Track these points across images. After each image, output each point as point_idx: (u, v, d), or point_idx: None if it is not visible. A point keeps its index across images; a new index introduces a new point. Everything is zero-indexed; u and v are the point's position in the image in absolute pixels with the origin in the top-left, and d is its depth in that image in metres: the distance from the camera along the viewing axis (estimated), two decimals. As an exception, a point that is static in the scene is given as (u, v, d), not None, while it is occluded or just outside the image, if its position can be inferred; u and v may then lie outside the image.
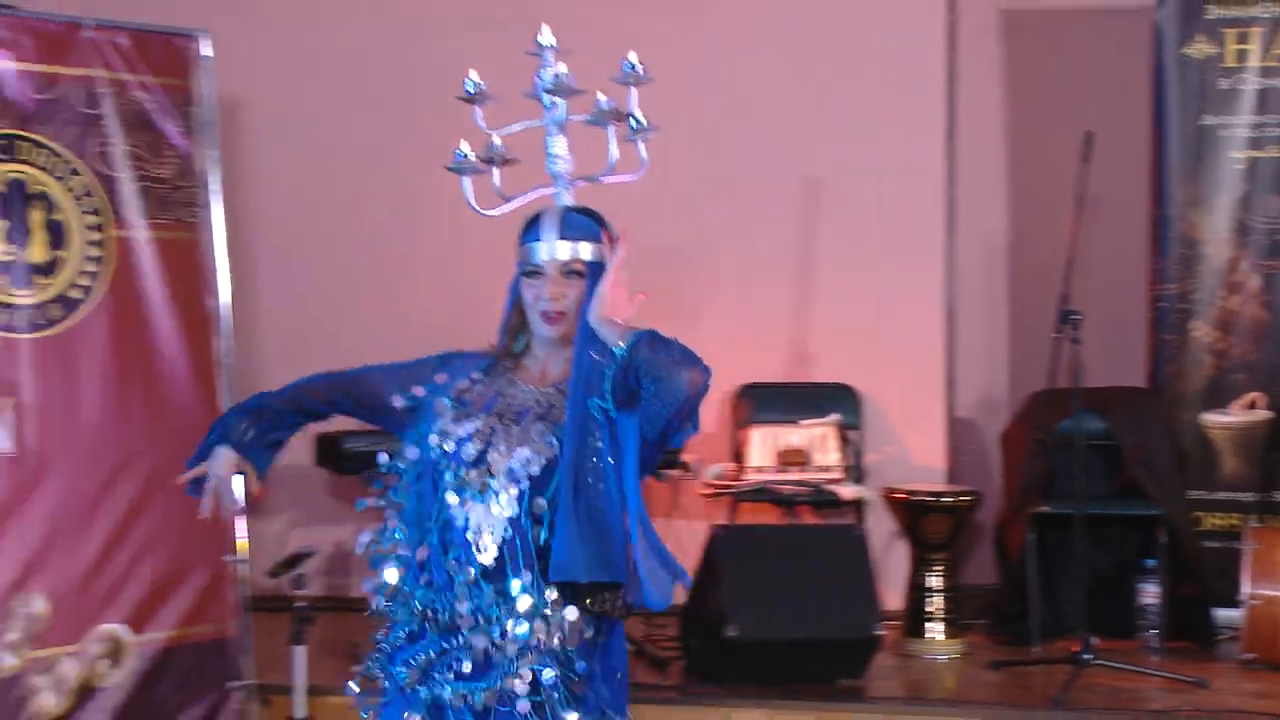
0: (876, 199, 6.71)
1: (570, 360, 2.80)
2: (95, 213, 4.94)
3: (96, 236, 4.94)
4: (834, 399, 6.50)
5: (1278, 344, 6.26)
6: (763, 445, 6.33)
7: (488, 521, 2.78)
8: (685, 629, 5.59)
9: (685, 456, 5.98)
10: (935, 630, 5.97)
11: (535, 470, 2.79)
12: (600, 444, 2.73)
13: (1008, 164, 7.07)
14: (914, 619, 6.00)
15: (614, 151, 2.91)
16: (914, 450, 6.70)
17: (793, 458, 6.28)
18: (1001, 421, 6.70)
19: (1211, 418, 6.30)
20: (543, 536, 2.77)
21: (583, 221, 2.87)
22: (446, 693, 2.80)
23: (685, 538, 6.43)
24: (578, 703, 2.78)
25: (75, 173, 4.89)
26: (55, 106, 4.86)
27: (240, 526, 5.05)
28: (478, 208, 2.99)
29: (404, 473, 2.91)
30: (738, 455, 6.47)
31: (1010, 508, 6.24)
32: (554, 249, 2.84)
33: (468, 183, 2.99)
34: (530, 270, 2.86)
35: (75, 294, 4.88)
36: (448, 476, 2.82)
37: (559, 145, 2.91)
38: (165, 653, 5.00)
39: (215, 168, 5.17)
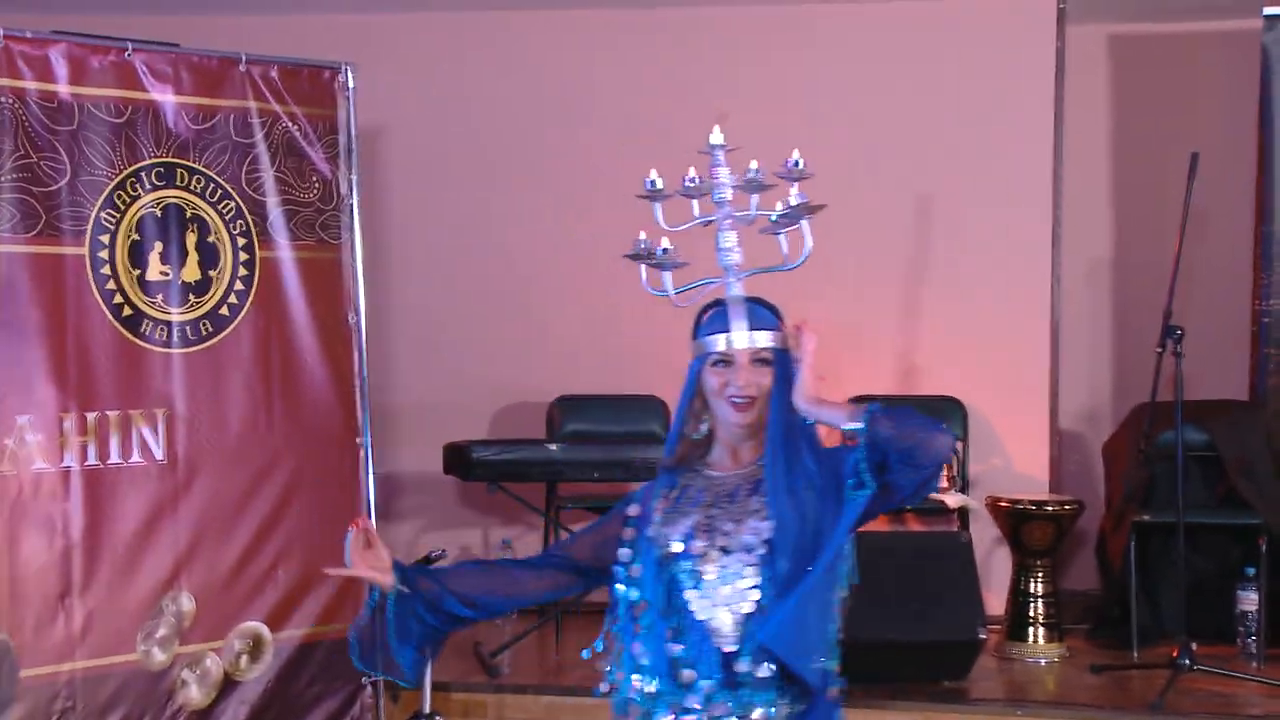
0: (985, 216, 6.89)
1: (758, 446, 2.89)
2: (245, 234, 5.19)
3: (245, 257, 5.19)
4: (942, 411, 6.64)
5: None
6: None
7: (727, 601, 2.82)
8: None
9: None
10: (1037, 634, 6.13)
11: (767, 536, 2.82)
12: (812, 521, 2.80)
13: (1113, 183, 7.20)
14: (1016, 623, 6.15)
15: (809, 243, 2.99)
16: (1018, 460, 6.88)
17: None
18: (1105, 433, 6.84)
19: (1313, 430, 6.37)
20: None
21: (766, 312, 2.96)
22: None
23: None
24: None
25: (227, 197, 5.15)
26: (211, 135, 5.11)
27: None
28: (654, 291, 3.04)
29: (630, 591, 2.91)
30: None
31: (1112, 516, 6.40)
32: (745, 338, 2.91)
33: (644, 269, 3.05)
34: (720, 359, 2.91)
35: (225, 311, 5.13)
36: (683, 573, 2.85)
37: (730, 239, 3.00)
38: (302, 649, 5.22)
39: (355, 192, 5.41)
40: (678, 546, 2.86)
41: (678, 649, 2.83)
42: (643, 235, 3.06)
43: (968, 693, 5.54)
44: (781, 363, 2.90)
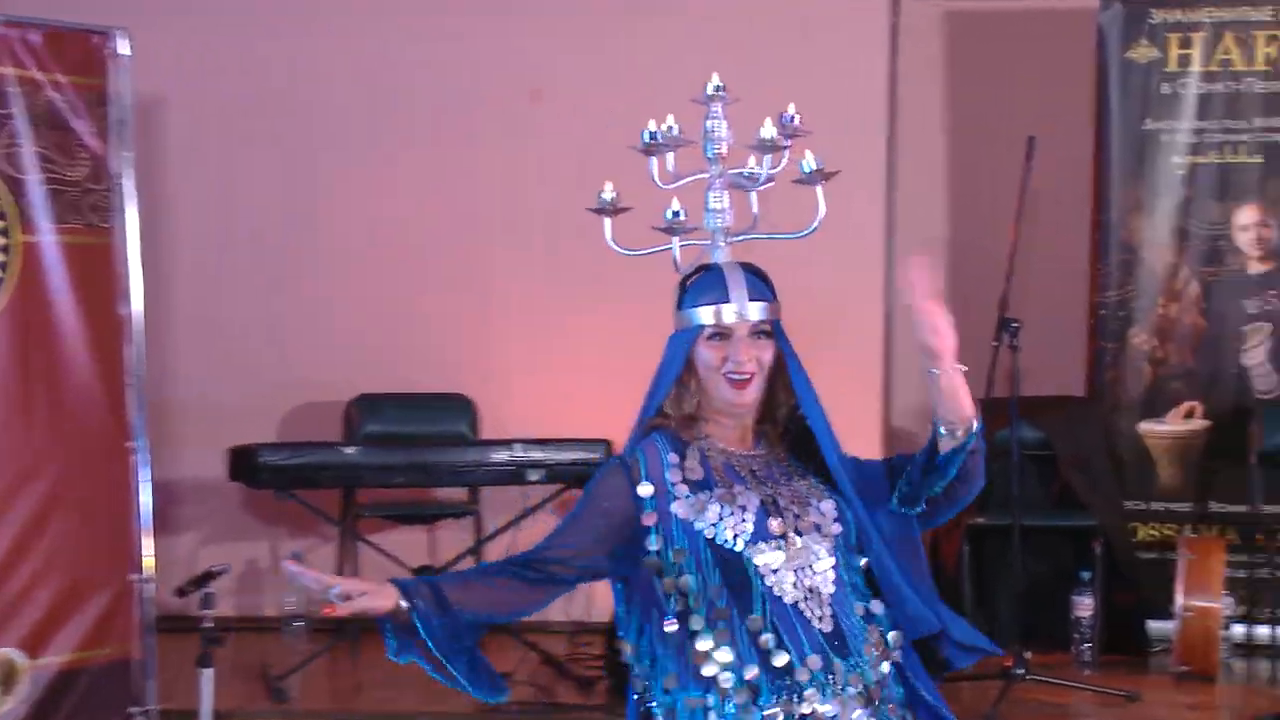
0: (817, 200, 6.75)
1: (754, 425, 2.77)
2: (1, 216, 4.87)
3: (3, 242, 4.88)
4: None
5: (1215, 352, 6.34)
6: (694, 455, 6.37)
7: (815, 583, 2.70)
8: (611, 646, 5.62)
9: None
10: (867, 644, 6.04)
11: (835, 517, 2.74)
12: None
13: (949, 166, 7.09)
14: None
15: (822, 208, 2.86)
16: (849, 458, 6.76)
17: (725, 468, 6.32)
18: (938, 431, 6.76)
19: (1149, 427, 6.36)
20: (860, 588, 2.74)
21: (761, 282, 2.80)
22: None
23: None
24: None
25: (-20, 174, 4.83)
26: (-41, 105, 4.79)
27: (147, 544, 5.01)
28: (617, 247, 2.91)
29: (684, 579, 2.69)
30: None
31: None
32: (746, 309, 2.74)
33: (608, 223, 2.91)
34: (717, 332, 2.74)
35: (-22, 301, 4.81)
36: (758, 554, 2.68)
37: (722, 200, 2.83)
38: (62, 677, 4.91)
39: (129, 170, 5.10)
40: (749, 528, 2.69)
41: (768, 638, 2.66)
42: (608, 187, 2.90)
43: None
44: (781, 335, 2.78)
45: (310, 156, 6.86)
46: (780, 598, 2.67)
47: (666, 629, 2.69)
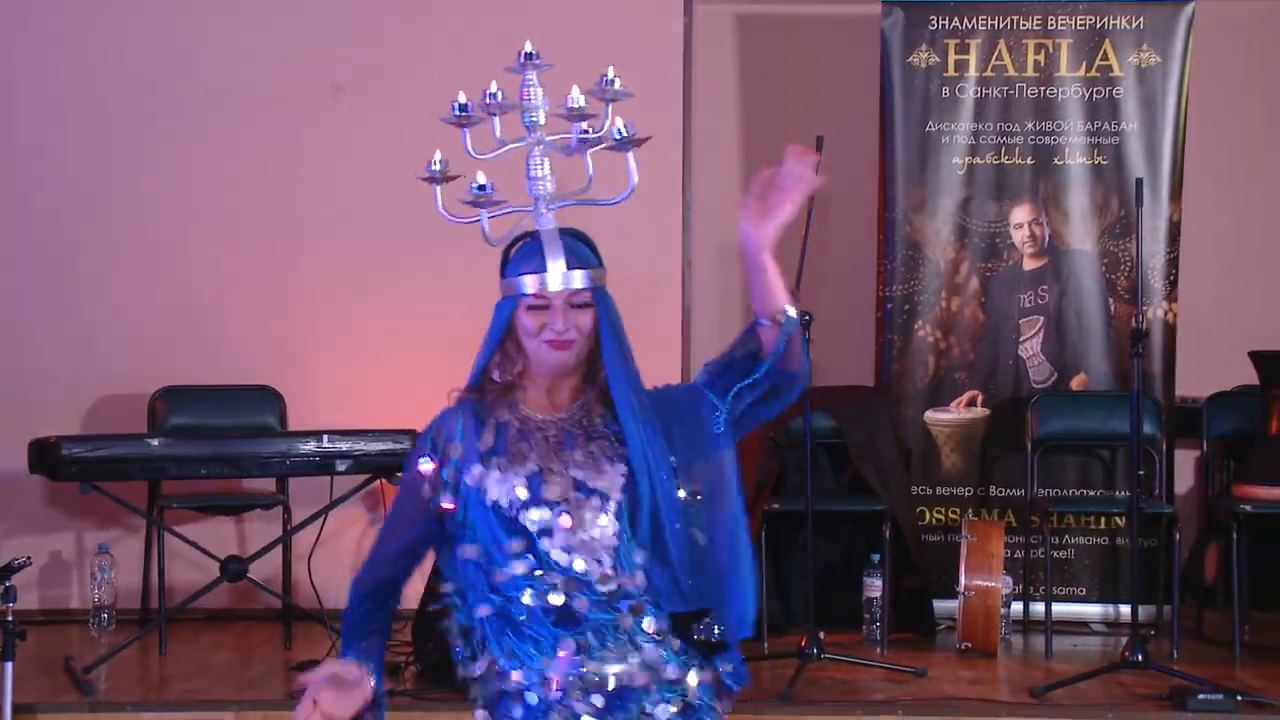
0: (616, 194, 6.75)
1: (576, 388, 2.78)
2: None
3: None
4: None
5: (994, 344, 6.46)
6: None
7: (590, 550, 2.70)
8: (418, 633, 5.54)
9: (421, 457, 5.95)
10: (665, 627, 6.05)
11: (623, 484, 2.72)
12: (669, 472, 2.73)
13: (742, 166, 7.12)
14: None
15: (634, 178, 2.83)
16: (650, 449, 6.77)
17: (529, 458, 6.29)
18: (736, 422, 6.81)
19: (933, 415, 6.46)
20: (640, 559, 2.71)
21: (583, 247, 2.79)
22: None
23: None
24: None
25: None
26: None
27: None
28: (449, 216, 2.88)
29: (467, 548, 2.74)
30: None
31: (744, 506, 6.35)
32: (564, 278, 2.74)
33: (439, 191, 2.87)
34: (536, 303, 2.74)
35: None
36: (531, 522, 2.70)
37: (545, 166, 2.80)
38: None
39: None
40: (522, 494, 2.71)
41: (552, 599, 2.68)
42: (437, 155, 2.85)
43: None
44: (603, 301, 2.77)
45: (111, 146, 6.65)
46: (555, 560, 2.69)
47: (468, 552, 2.74)
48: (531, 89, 2.80)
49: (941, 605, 6.20)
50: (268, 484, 6.32)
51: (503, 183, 2.84)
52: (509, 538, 2.70)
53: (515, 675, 2.72)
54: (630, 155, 2.82)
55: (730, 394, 2.78)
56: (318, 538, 6.13)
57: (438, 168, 2.84)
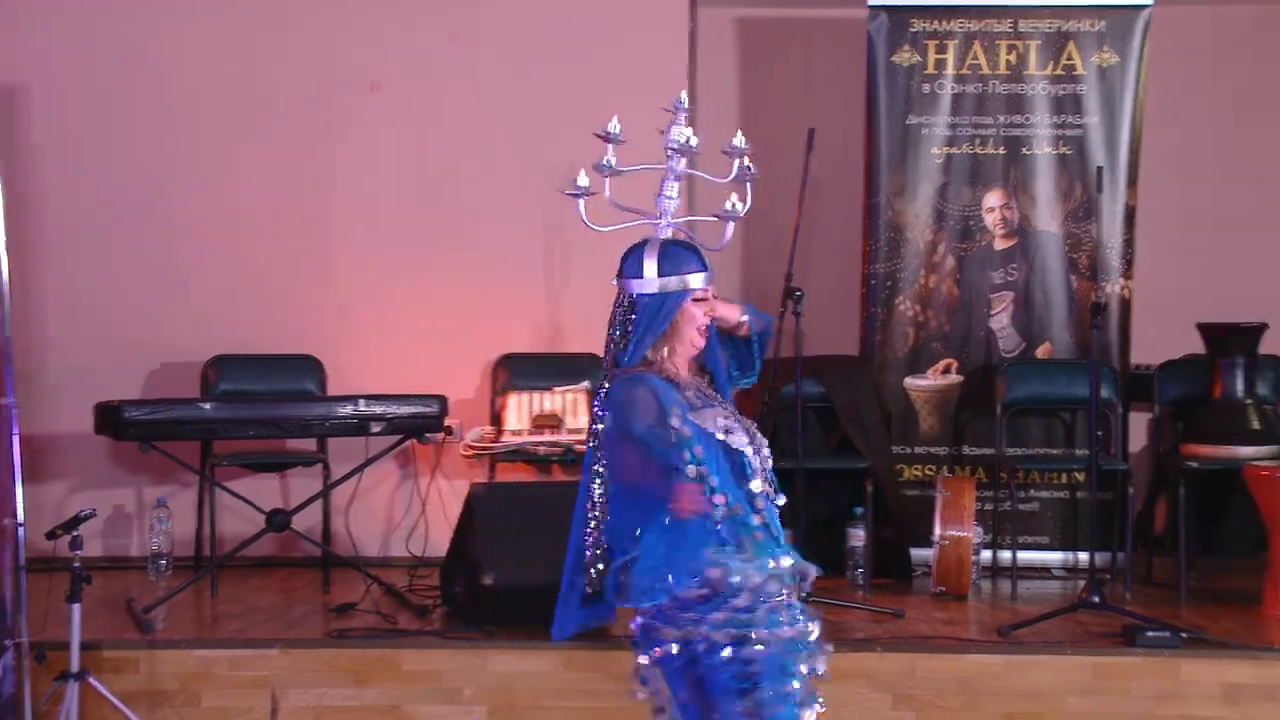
0: (621, 190, 6.77)
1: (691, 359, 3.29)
2: None
3: None
4: (584, 368, 6.50)
5: (968, 317, 6.49)
6: (519, 410, 6.36)
7: (765, 455, 3.24)
8: (445, 578, 5.61)
9: (449, 421, 6.00)
10: (672, 573, 6.08)
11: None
12: None
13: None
14: (653, 564, 6.10)
15: (748, 200, 3.35)
16: (654, 417, 6.81)
17: (546, 421, 6.33)
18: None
19: (912, 381, 6.49)
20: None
21: None
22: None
23: (447, 495, 6.47)
24: None
25: None
26: None
27: (18, 491, 4.88)
28: (591, 225, 3.32)
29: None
30: (496, 420, 6.49)
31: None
32: (711, 276, 3.24)
33: (582, 203, 3.30)
34: (700, 296, 3.22)
35: None
36: (737, 443, 3.18)
37: (673, 189, 3.27)
38: None
39: None
40: (744, 437, 3.20)
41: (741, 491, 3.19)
42: (582, 173, 3.30)
43: (608, 631, 5.37)
44: None
45: (175, 141, 6.69)
46: (753, 470, 3.18)
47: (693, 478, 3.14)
48: (678, 129, 3.28)
49: (918, 553, 6.25)
50: (309, 444, 6.36)
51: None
52: (728, 465, 3.14)
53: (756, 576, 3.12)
54: (748, 185, 3.33)
55: (756, 359, 3.43)
56: (354, 493, 6.19)
57: (583, 184, 3.34)
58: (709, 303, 3.22)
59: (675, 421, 3.12)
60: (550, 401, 6.37)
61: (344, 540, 6.31)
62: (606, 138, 3.32)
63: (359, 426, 5.79)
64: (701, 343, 3.24)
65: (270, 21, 6.76)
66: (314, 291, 6.72)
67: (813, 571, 3.21)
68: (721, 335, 3.33)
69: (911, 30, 6.48)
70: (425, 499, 6.50)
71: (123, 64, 6.69)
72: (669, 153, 3.25)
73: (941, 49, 6.50)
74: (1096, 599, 5.44)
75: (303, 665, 5.04)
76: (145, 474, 6.59)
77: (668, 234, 3.23)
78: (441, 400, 5.85)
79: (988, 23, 6.48)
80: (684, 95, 3.28)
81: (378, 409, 5.77)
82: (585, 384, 6.46)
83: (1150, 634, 5.10)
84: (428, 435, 5.90)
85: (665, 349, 3.22)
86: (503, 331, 6.65)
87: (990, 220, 6.52)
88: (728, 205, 3.32)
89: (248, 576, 6.27)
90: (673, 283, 3.19)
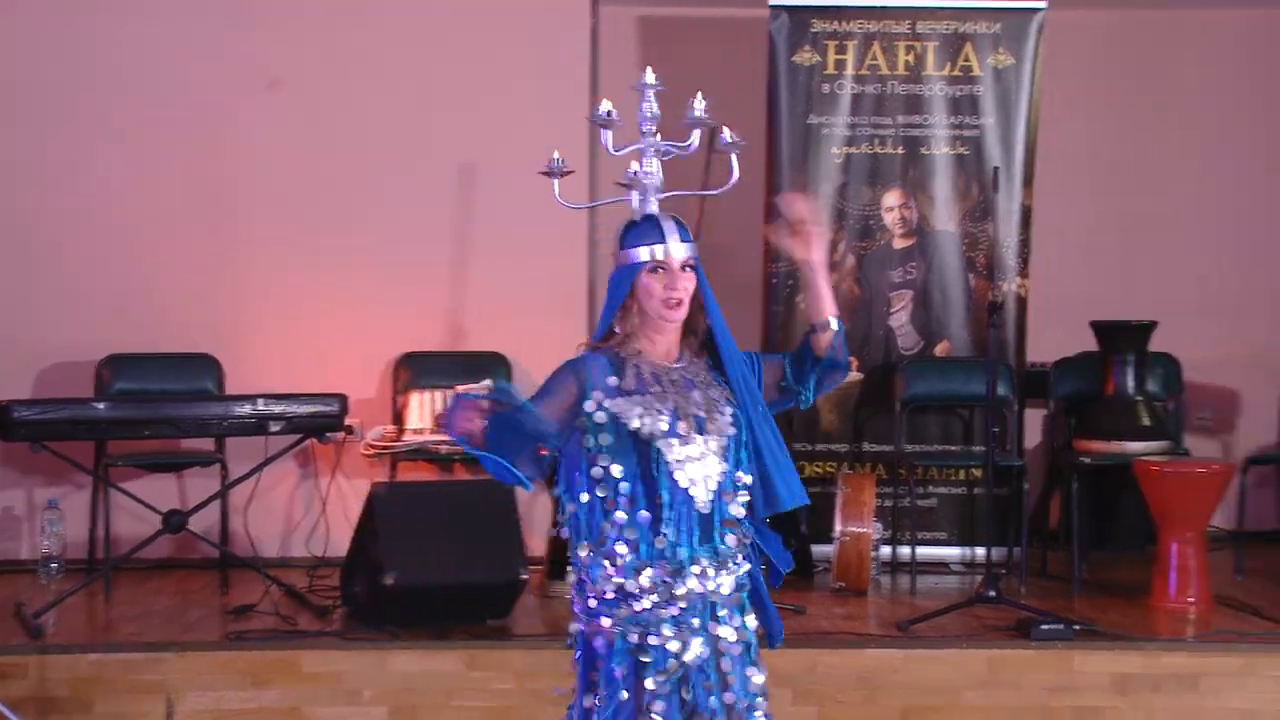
0: (525, 185, 6.67)
1: (675, 343, 3.12)
2: None
3: None
4: (487, 366, 6.45)
5: (868, 315, 6.54)
6: (420, 409, 6.29)
7: (705, 475, 3.05)
8: (346, 578, 5.53)
9: (349, 420, 5.92)
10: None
11: (734, 423, 3.08)
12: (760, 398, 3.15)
13: (644, 154, 7.18)
14: (555, 563, 6.04)
15: (735, 174, 3.31)
16: (559, 413, 6.77)
17: (448, 419, 6.26)
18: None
19: (813, 380, 6.56)
20: (744, 482, 3.10)
21: (684, 227, 3.14)
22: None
23: (348, 495, 6.38)
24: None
25: None
26: None
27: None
28: (564, 203, 3.32)
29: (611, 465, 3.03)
30: (397, 418, 6.42)
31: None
32: (679, 248, 3.09)
33: (556, 183, 3.29)
34: (656, 266, 3.08)
35: None
36: (663, 449, 3.02)
37: (654, 165, 3.20)
38: None
39: None
40: (664, 426, 3.03)
41: (662, 513, 3.03)
42: (556, 154, 3.29)
43: (510, 629, 5.37)
44: (699, 269, 3.12)
45: (63, 133, 6.53)
46: (678, 482, 3.03)
47: (581, 499, 3.08)
48: (649, 105, 3.25)
49: (819, 550, 6.27)
50: (206, 444, 6.25)
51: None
52: (636, 465, 3.02)
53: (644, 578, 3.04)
54: (733, 156, 3.26)
55: (810, 381, 3.25)
56: (253, 493, 6.08)
57: (558, 161, 3.28)
58: (671, 274, 3.06)
59: (590, 405, 3.03)
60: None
61: (243, 541, 6.20)
62: (603, 123, 3.27)
63: (258, 426, 5.72)
64: (673, 315, 3.08)
65: (162, 12, 6.61)
66: (212, 290, 6.59)
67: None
68: (812, 338, 3.21)
69: (812, 30, 6.51)
70: (325, 499, 6.41)
71: (10, 51, 6.53)
72: (643, 131, 3.24)
73: (841, 49, 6.52)
74: (993, 593, 5.50)
75: (200, 668, 4.95)
76: (36, 475, 6.44)
77: (653, 209, 3.16)
78: (342, 399, 5.78)
79: (886, 24, 6.52)
80: (650, 75, 3.27)
81: (277, 408, 5.70)
82: (487, 382, 6.35)
83: (1044, 627, 5.16)
84: (328, 434, 5.83)
85: (630, 324, 3.11)
86: (404, 329, 6.58)
87: (889, 219, 6.55)
88: (726, 136, 3.31)
89: (144, 579, 6.15)
90: (628, 255, 3.11)
